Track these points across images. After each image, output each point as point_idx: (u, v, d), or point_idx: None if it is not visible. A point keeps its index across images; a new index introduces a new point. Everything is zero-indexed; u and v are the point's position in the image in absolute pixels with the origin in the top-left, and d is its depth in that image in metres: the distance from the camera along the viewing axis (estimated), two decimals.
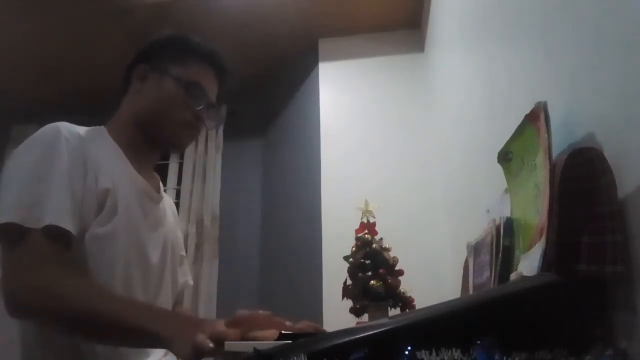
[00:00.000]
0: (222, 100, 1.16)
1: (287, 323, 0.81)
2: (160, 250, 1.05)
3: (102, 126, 1.06)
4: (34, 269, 0.82)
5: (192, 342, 0.69)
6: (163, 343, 0.75)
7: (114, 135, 1.04)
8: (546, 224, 0.63)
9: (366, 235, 1.57)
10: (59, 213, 0.85)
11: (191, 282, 1.24)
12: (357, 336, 0.50)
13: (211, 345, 0.69)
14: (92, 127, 1.02)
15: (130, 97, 1.08)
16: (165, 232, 1.09)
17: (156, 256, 1.03)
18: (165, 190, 1.18)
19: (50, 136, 0.92)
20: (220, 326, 0.72)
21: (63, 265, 0.84)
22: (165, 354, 1.03)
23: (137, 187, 1.02)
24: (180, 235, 1.22)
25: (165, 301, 1.06)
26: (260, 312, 0.79)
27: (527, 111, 0.75)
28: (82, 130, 0.98)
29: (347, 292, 1.54)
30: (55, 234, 0.84)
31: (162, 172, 2.81)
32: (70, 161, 0.90)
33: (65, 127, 0.94)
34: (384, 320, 0.58)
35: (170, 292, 1.09)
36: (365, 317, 1.52)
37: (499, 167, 0.91)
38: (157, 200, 1.09)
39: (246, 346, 0.65)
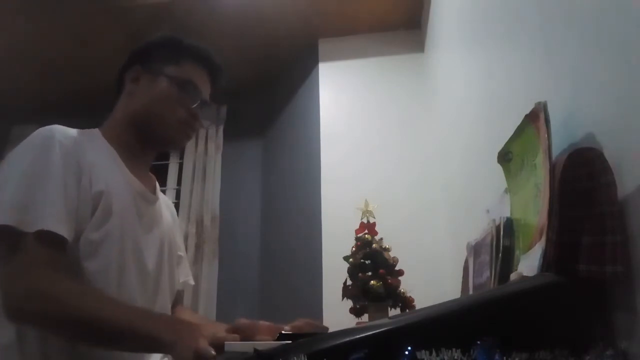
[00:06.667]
0: (221, 101, 1.16)
1: (286, 328, 0.82)
2: (157, 252, 1.04)
3: (97, 129, 1.05)
4: (28, 273, 0.81)
5: (194, 347, 0.70)
6: (164, 348, 0.75)
7: (108, 137, 1.03)
8: (546, 224, 0.63)
9: (366, 235, 1.57)
10: (53, 218, 0.84)
11: (192, 282, 1.23)
12: (357, 336, 0.50)
13: (213, 352, 0.69)
14: (85, 130, 1.01)
15: (123, 99, 1.08)
16: (161, 233, 1.07)
17: (152, 258, 1.02)
18: (165, 191, 1.18)
19: (44, 140, 0.91)
20: (221, 332, 0.73)
21: (57, 269, 0.83)
22: (163, 357, 1.02)
23: (131, 189, 1.01)
24: (179, 235, 1.21)
25: (163, 303, 1.05)
26: (261, 321, 0.80)
27: (527, 111, 0.75)
28: (76, 132, 0.97)
29: (347, 292, 1.54)
30: (49, 239, 0.83)
31: (162, 172, 2.81)
32: (64, 165, 0.89)
33: (59, 131, 0.93)
34: (384, 320, 0.58)
35: (169, 293, 1.08)
36: (365, 317, 1.52)
37: (499, 167, 0.91)
38: (153, 201, 1.08)
39: (246, 346, 0.65)
